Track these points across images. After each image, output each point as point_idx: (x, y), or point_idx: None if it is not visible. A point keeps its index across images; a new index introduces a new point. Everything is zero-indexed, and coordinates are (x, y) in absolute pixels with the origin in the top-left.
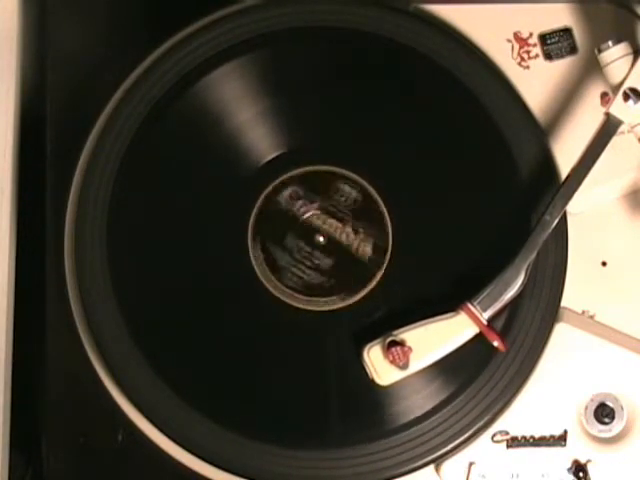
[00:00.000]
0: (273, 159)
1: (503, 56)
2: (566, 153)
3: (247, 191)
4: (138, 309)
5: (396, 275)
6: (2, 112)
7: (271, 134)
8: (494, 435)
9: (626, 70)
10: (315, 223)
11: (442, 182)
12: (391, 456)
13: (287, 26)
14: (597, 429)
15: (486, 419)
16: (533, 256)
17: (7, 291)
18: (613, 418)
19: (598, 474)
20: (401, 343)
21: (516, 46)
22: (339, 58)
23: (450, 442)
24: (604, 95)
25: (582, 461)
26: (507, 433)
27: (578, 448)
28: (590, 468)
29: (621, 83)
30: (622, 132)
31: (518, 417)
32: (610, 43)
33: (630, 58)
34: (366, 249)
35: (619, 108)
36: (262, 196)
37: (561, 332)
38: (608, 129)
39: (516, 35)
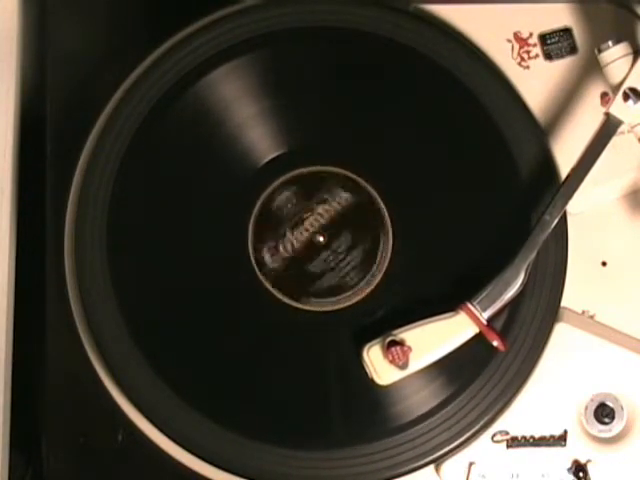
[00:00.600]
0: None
1: (503, 56)
2: (566, 153)
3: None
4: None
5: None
6: (2, 112)
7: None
8: (494, 435)
9: (626, 70)
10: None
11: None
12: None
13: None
14: (597, 429)
15: (486, 419)
16: (533, 256)
17: (7, 291)
18: (613, 418)
19: (598, 474)
20: (401, 343)
21: (516, 46)
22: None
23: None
24: (604, 95)
25: (582, 461)
26: (507, 433)
27: (578, 448)
28: (590, 468)
29: (621, 83)
30: (622, 132)
31: (518, 417)
32: (610, 43)
33: (630, 58)
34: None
35: (619, 108)
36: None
37: (561, 332)
38: (608, 129)
39: (516, 35)
